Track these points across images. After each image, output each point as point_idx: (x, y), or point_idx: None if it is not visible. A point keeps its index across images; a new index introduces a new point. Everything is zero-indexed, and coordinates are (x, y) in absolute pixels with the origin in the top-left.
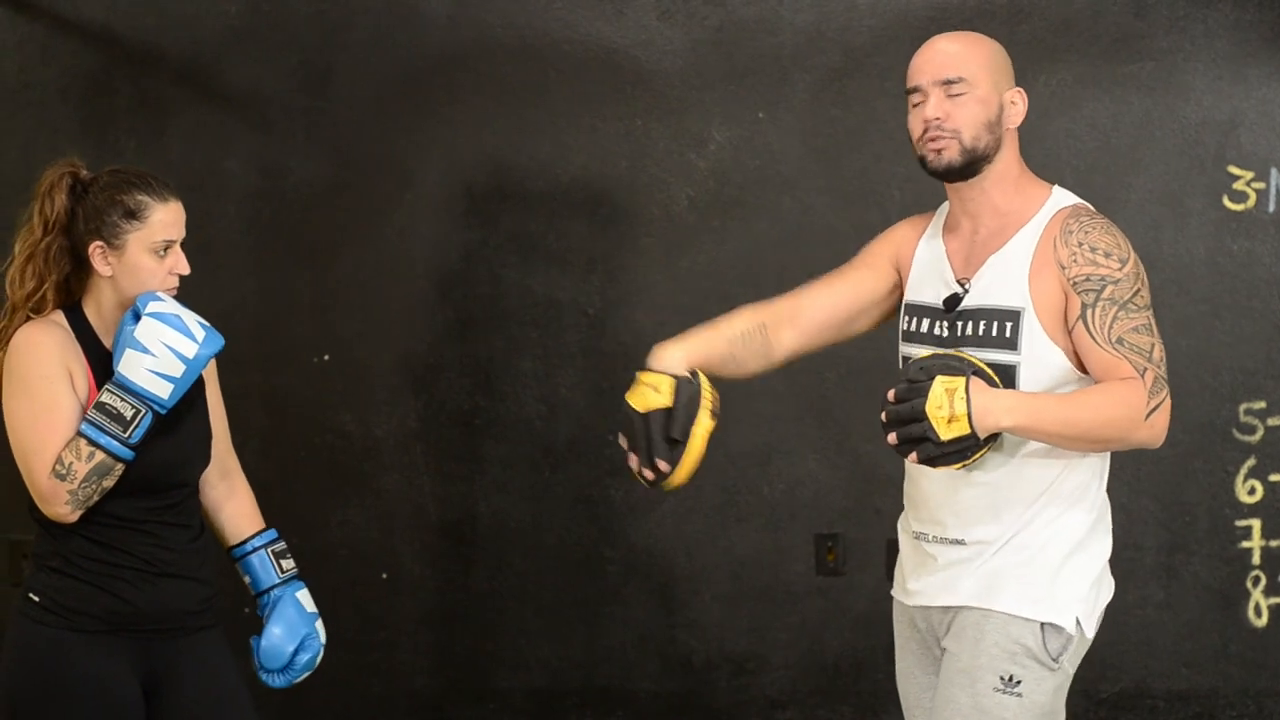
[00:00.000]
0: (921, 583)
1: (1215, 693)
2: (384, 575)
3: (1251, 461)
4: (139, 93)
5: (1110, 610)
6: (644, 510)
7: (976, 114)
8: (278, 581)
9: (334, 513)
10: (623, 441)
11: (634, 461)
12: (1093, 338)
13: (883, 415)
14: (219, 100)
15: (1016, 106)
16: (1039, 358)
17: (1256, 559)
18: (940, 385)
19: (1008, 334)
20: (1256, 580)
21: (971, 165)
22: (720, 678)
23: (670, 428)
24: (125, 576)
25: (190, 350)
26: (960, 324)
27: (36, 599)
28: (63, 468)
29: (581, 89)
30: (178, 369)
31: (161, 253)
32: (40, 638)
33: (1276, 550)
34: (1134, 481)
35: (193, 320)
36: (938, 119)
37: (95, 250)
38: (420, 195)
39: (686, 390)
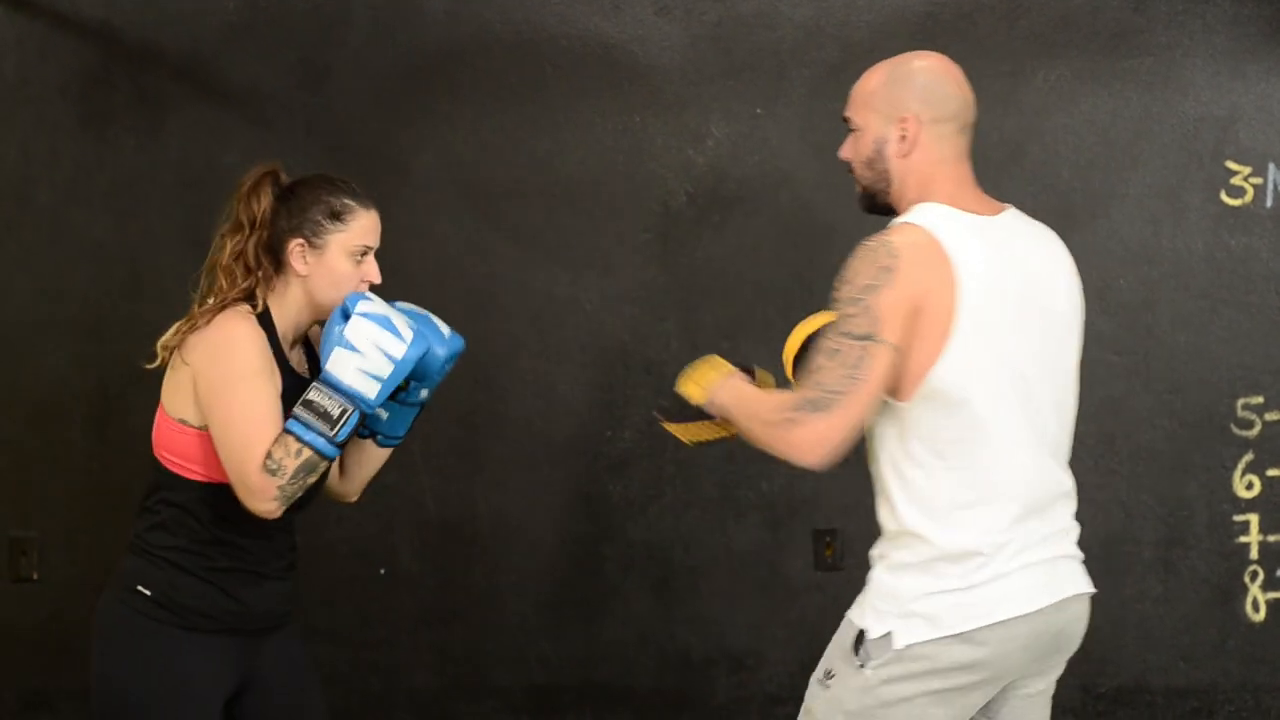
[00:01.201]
0: None
1: (1213, 687)
2: (383, 572)
3: (1249, 456)
4: (138, 89)
5: (1108, 605)
6: (642, 507)
7: (860, 153)
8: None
9: (333, 509)
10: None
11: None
12: None
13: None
14: (218, 96)
15: (905, 138)
16: None
17: (1254, 554)
18: (718, 360)
19: None
20: (1254, 575)
21: (873, 203)
22: (719, 674)
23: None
24: (240, 578)
25: (399, 351)
26: None
27: (148, 593)
28: (273, 463)
29: (579, 85)
30: (385, 369)
31: (359, 258)
32: (155, 633)
33: (1274, 545)
34: (1132, 477)
35: (402, 321)
36: (844, 158)
37: (295, 247)
38: (418, 191)
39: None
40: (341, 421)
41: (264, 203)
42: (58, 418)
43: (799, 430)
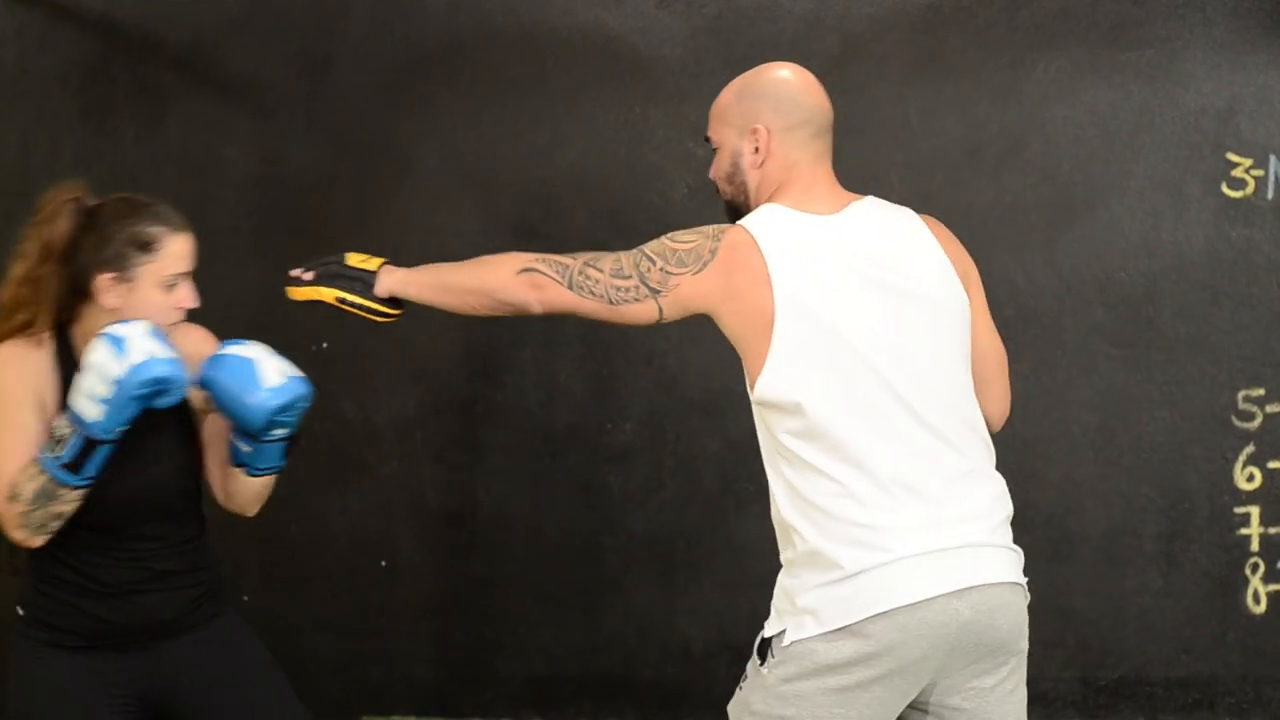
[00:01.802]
0: None
1: (1214, 679)
2: (383, 563)
3: (1250, 448)
4: (138, 80)
5: (1109, 597)
6: (643, 498)
7: (719, 170)
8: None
9: (334, 501)
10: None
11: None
12: None
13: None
14: (218, 88)
15: (759, 147)
16: None
17: (1255, 546)
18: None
19: None
20: (1255, 567)
21: (737, 215)
22: (720, 665)
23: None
24: (94, 596)
25: (116, 372)
26: None
27: (22, 613)
28: (15, 489)
29: (580, 77)
30: (105, 390)
31: (171, 285)
32: (30, 652)
33: (1275, 537)
34: (1132, 469)
35: (144, 345)
36: (712, 178)
37: (104, 282)
38: (419, 183)
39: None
40: (65, 443)
41: (60, 232)
42: None
43: (539, 281)
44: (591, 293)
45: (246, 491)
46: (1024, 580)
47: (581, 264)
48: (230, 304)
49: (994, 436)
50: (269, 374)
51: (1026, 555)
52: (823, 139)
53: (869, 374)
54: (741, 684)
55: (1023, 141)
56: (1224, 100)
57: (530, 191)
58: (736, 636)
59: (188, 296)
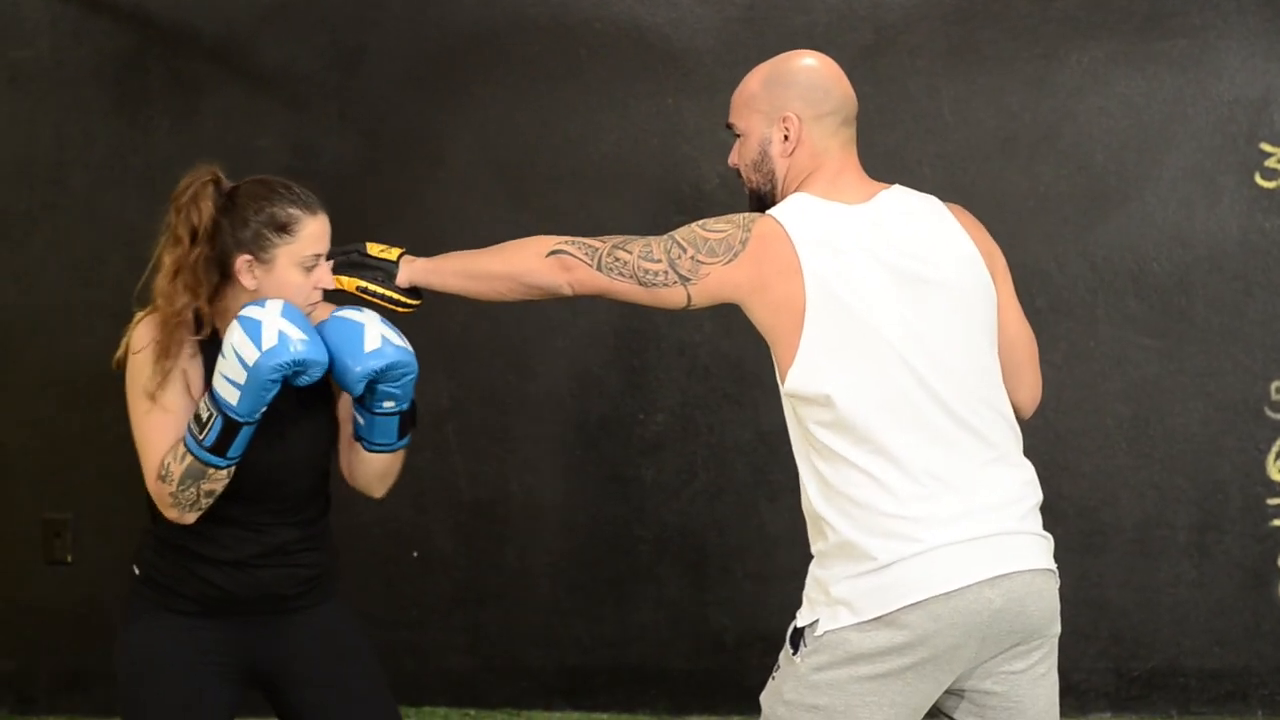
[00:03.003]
0: None
1: (1247, 670)
2: (415, 554)
3: None
4: (171, 72)
5: (1142, 588)
6: (676, 488)
7: (745, 158)
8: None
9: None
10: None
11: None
12: None
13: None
14: (251, 79)
15: (790, 135)
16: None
17: None
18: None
19: None
20: None
21: (761, 201)
22: (752, 656)
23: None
24: (215, 565)
25: (250, 356)
26: None
27: (137, 572)
28: (164, 470)
29: (613, 67)
30: (239, 374)
31: (309, 266)
32: (137, 609)
33: None
34: (1165, 460)
35: (278, 327)
36: (732, 164)
37: (243, 264)
38: (452, 173)
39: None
40: (208, 426)
41: (204, 215)
42: (91, 400)
43: (570, 263)
44: (620, 274)
45: (368, 470)
46: (1054, 566)
47: (610, 246)
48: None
49: (1026, 427)
50: (370, 338)
51: (1059, 546)
52: (850, 127)
53: (899, 364)
54: (774, 674)
55: (1056, 132)
56: (1258, 90)
57: (563, 182)
58: (768, 627)
59: (325, 277)
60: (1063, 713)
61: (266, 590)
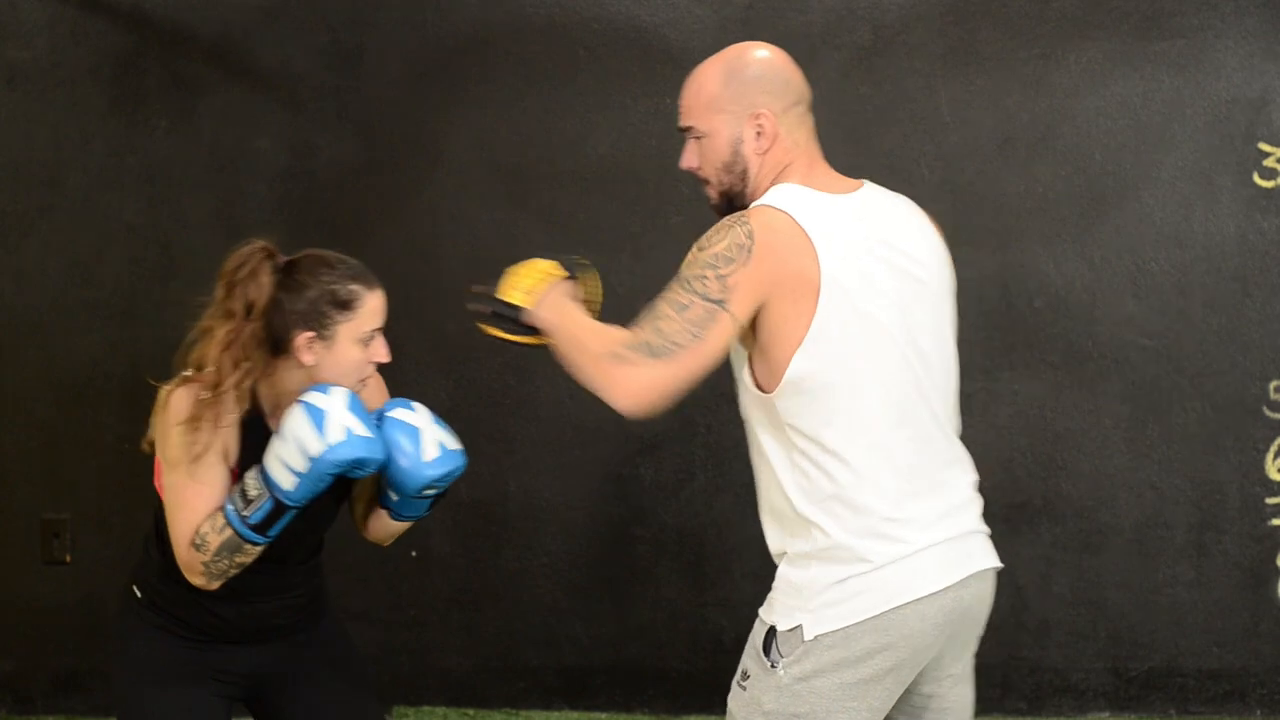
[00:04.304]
0: None
1: (1245, 671)
2: (414, 554)
3: None
4: (169, 72)
5: (1140, 588)
6: (674, 489)
7: (713, 160)
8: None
9: None
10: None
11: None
12: None
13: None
14: (249, 79)
15: (763, 133)
16: (737, 383)
17: None
18: (544, 263)
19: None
20: None
21: (731, 201)
22: None
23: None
24: (223, 600)
25: (316, 449)
26: None
27: (139, 595)
28: (199, 538)
29: (611, 68)
30: (301, 464)
31: (367, 341)
32: (136, 631)
33: None
34: (1164, 460)
35: (344, 423)
36: (690, 167)
37: (303, 341)
38: (450, 174)
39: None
40: (255, 504)
41: (264, 291)
42: (90, 400)
43: (628, 370)
44: (679, 345)
45: (388, 530)
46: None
47: (649, 329)
48: None
49: (1023, 425)
50: (428, 446)
51: (1058, 546)
52: (811, 114)
53: (900, 359)
54: (743, 682)
55: (1054, 132)
56: (1255, 90)
57: (561, 182)
58: None
59: (381, 350)
60: (1061, 712)
61: (267, 622)
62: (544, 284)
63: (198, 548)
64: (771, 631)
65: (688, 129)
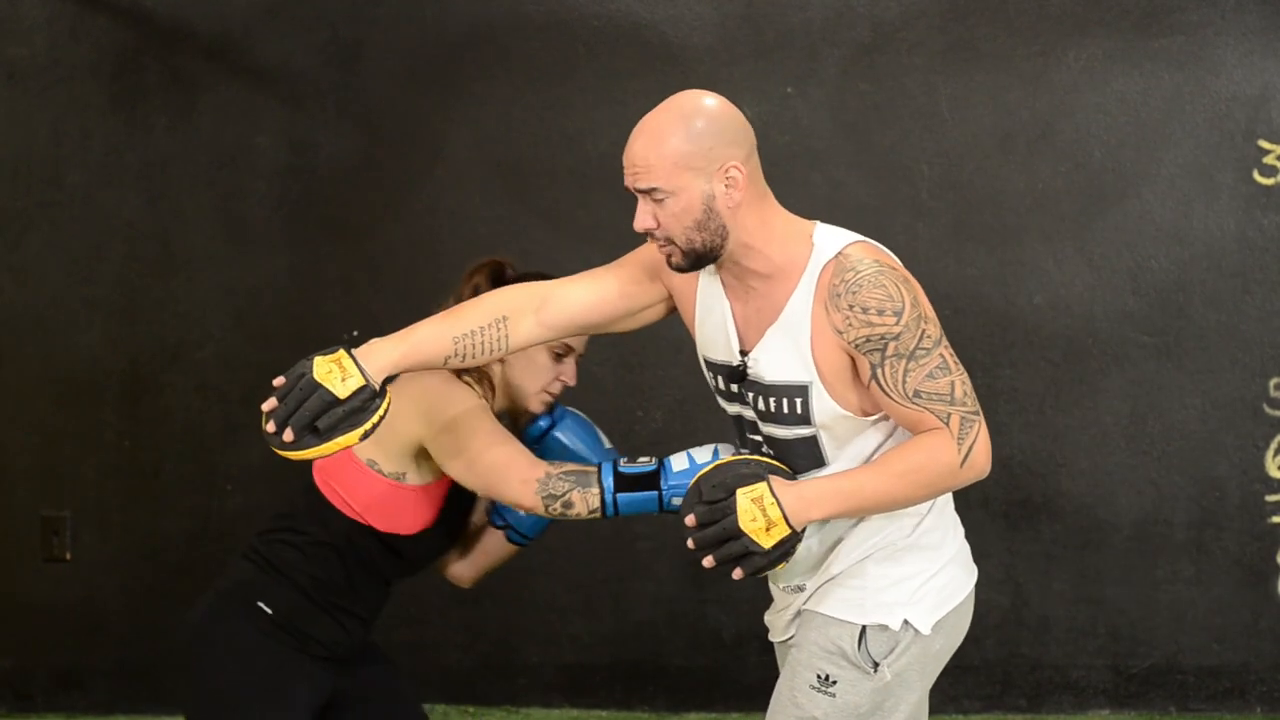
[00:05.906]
0: (774, 618)
1: (1245, 668)
2: None
3: None
4: (169, 69)
5: (1140, 586)
6: None
7: (681, 219)
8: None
9: None
10: (278, 383)
11: (269, 407)
12: (889, 395)
13: (689, 542)
14: (249, 76)
15: (735, 185)
16: (832, 425)
17: None
18: (745, 498)
19: (799, 410)
20: None
21: (701, 259)
22: (750, 653)
23: (321, 417)
24: (353, 616)
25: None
26: (752, 396)
27: (269, 611)
28: (546, 487)
29: (610, 64)
30: (680, 486)
31: (560, 354)
32: (266, 650)
33: None
34: (1164, 457)
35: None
36: (649, 229)
37: None
38: (450, 171)
39: (360, 400)
40: (637, 484)
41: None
42: (89, 397)
43: (979, 450)
44: (970, 393)
45: (489, 556)
46: None
47: (959, 395)
48: (261, 291)
49: (1024, 424)
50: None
51: (1058, 544)
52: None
53: None
54: (828, 689)
55: (1053, 129)
56: (1255, 87)
57: (561, 179)
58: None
59: (571, 373)
60: (1061, 709)
61: (363, 639)
62: (766, 499)
63: (545, 496)
64: (863, 632)
65: (649, 190)
